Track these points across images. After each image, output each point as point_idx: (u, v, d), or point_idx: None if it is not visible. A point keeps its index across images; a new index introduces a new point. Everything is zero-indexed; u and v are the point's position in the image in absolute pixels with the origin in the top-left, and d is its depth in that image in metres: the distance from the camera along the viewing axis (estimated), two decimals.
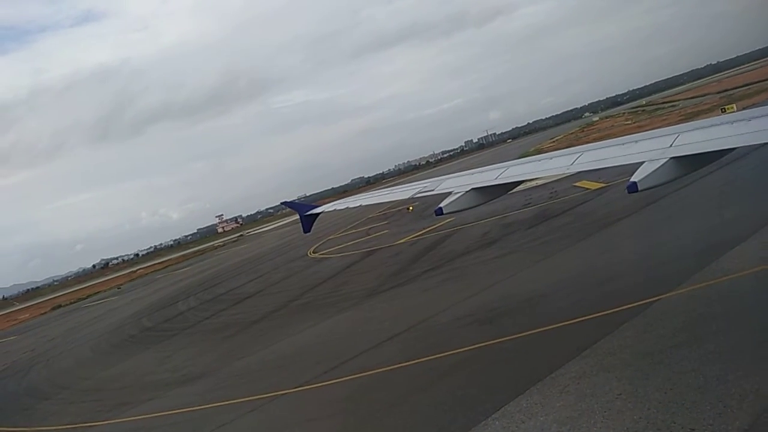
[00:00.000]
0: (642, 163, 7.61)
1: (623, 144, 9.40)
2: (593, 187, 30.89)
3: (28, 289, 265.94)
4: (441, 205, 10.26)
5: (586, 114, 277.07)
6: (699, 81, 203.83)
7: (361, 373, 13.33)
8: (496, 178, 10.56)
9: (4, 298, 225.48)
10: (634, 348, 9.98)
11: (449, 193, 10.69)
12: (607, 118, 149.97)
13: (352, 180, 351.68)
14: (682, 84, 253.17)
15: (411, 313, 17.34)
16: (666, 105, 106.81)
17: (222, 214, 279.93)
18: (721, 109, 52.16)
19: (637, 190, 7.23)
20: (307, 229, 15.82)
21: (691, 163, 7.56)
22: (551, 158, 10.88)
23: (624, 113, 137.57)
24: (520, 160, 11.97)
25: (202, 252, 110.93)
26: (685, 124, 9.58)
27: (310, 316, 21.94)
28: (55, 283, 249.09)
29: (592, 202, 26.73)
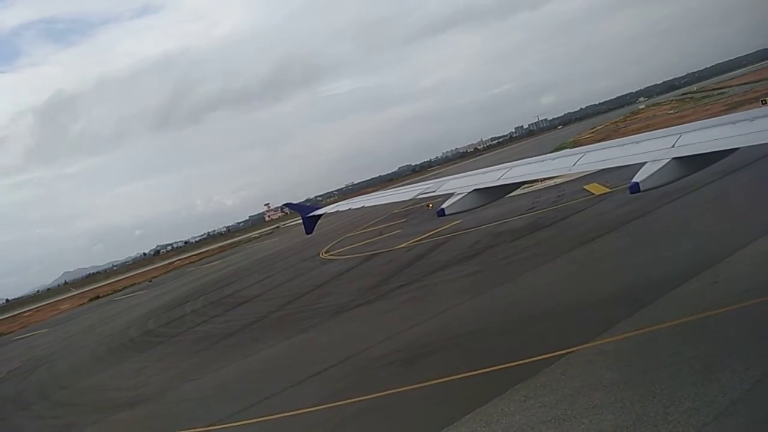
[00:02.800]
0: (644, 164, 7.42)
1: (625, 145, 9.08)
2: (597, 192, 29.71)
3: (89, 274, 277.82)
4: (443, 206, 10.09)
5: (641, 99, 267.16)
6: (762, 63, 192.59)
7: (265, 416, 12.80)
8: (498, 179, 10.31)
9: (65, 283, 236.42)
10: (511, 419, 8.98)
11: (452, 194, 10.43)
12: (654, 105, 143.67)
13: (399, 168, 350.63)
14: (743, 66, 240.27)
15: (354, 342, 16.65)
16: (715, 92, 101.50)
17: (269, 203, 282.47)
18: (762, 101, 48.90)
19: (639, 191, 7.10)
20: (309, 230, 15.72)
21: (693, 164, 7.36)
22: (554, 159, 10.52)
23: (671, 101, 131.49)
24: (523, 160, 11.54)
25: (237, 244, 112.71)
26: (687, 124, 8.98)
27: (274, 334, 21.56)
28: (114, 268, 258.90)
29: (586, 212, 25.44)
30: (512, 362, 11.16)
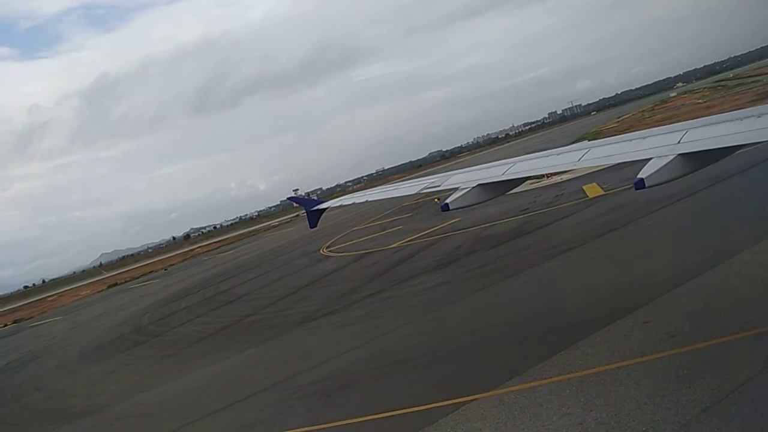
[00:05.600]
0: (649, 160, 7.31)
1: (630, 140, 8.89)
2: (591, 194, 28.50)
3: (123, 256, 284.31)
4: (447, 201, 9.98)
5: (678, 84, 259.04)
6: None
7: None
8: (502, 174, 10.11)
9: (100, 265, 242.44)
10: None
11: (456, 189, 10.26)
12: (685, 93, 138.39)
13: (429, 154, 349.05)
14: None
15: (296, 362, 16.00)
16: (749, 79, 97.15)
17: (297, 189, 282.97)
18: None
19: (644, 187, 6.98)
20: (313, 224, 15.75)
21: (698, 160, 7.23)
22: (559, 154, 10.28)
23: (703, 88, 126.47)
24: (527, 155, 11.11)
25: (256, 233, 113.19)
26: (693, 120, 8.61)
27: (236, 343, 21.13)
28: (149, 251, 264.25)
29: (571, 218, 24.28)
30: (418, 406, 10.43)
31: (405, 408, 10.56)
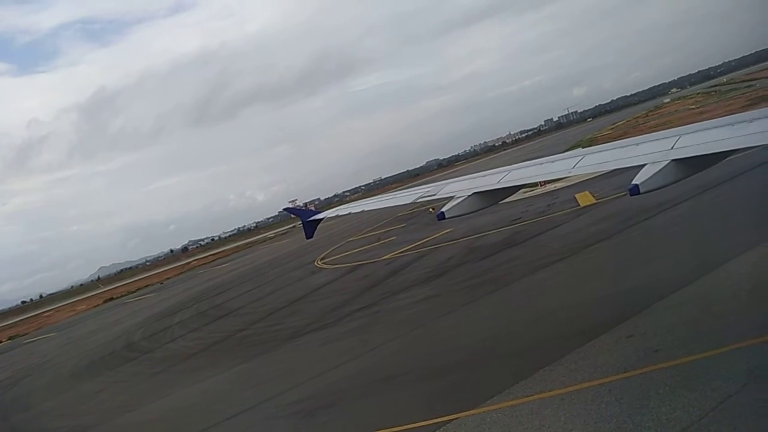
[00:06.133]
0: (642, 166, 7.34)
1: (624, 147, 8.96)
2: (583, 203, 28.41)
3: (121, 270, 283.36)
4: (443, 209, 9.97)
5: (673, 90, 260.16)
6: None
7: None
8: (497, 183, 10.12)
9: (98, 279, 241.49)
10: None
11: (452, 197, 10.31)
12: (679, 99, 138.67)
13: (427, 162, 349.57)
14: None
15: (282, 379, 15.88)
16: (743, 84, 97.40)
17: (296, 199, 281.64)
18: None
19: (639, 193, 6.95)
20: (309, 235, 15.80)
21: (692, 166, 7.28)
22: (553, 162, 10.26)
23: (697, 94, 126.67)
24: (522, 163, 11.15)
25: (252, 245, 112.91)
26: (686, 126, 8.55)
27: (226, 359, 20.94)
28: (147, 264, 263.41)
29: (561, 228, 24.20)
30: (399, 425, 10.31)
31: (386, 427, 10.42)
